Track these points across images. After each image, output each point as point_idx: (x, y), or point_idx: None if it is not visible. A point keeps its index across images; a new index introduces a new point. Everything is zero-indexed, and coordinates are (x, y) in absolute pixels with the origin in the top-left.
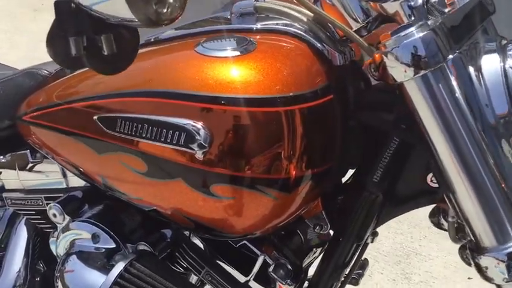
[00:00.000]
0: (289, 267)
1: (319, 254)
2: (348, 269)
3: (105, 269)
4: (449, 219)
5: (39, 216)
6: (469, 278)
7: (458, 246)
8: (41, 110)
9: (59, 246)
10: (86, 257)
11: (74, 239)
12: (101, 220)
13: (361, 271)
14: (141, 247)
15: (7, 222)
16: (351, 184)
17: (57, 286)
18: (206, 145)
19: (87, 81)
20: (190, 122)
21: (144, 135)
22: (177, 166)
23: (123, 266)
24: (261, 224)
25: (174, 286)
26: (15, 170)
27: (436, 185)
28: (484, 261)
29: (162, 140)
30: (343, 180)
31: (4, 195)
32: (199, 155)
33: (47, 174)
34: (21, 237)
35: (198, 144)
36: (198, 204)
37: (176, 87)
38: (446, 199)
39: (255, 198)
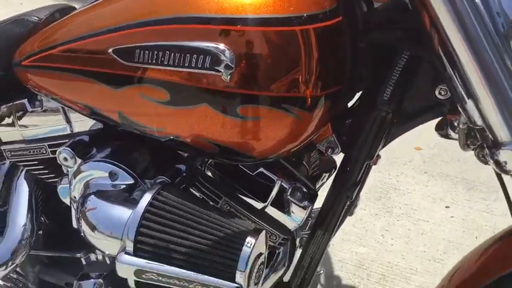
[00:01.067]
0: (305, 190)
1: (327, 179)
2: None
3: (130, 202)
4: (460, 126)
5: (42, 166)
6: (446, 207)
7: (433, 180)
8: (44, 52)
9: (73, 190)
10: (106, 195)
11: (89, 180)
12: (116, 158)
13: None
14: (159, 181)
15: (5, 177)
16: (359, 106)
17: (81, 227)
18: (233, 66)
19: (92, 19)
20: (214, 44)
21: (166, 63)
22: (202, 91)
23: (151, 195)
24: (281, 144)
25: (204, 209)
26: (12, 121)
27: (444, 98)
28: (503, 155)
29: (186, 65)
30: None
31: (2, 148)
32: (225, 76)
33: (49, 122)
34: (22, 190)
35: (224, 65)
36: (223, 128)
37: (194, 11)
38: (459, 106)
39: (279, 117)
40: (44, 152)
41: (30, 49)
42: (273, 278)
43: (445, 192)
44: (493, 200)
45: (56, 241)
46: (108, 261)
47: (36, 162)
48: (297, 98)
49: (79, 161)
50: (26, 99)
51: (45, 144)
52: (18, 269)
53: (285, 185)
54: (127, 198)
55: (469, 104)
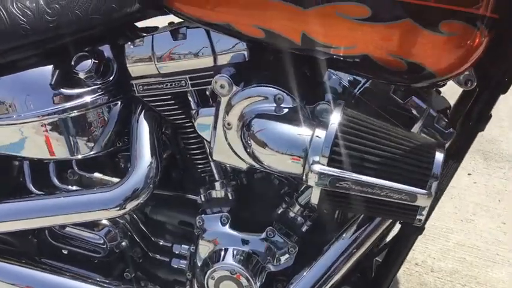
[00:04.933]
0: (446, 119)
1: None
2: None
3: (309, 121)
4: None
5: (173, 101)
6: (469, 174)
7: None
8: None
9: (228, 117)
10: (279, 117)
11: (252, 105)
12: (278, 83)
13: None
14: (320, 107)
15: (120, 114)
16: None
17: (250, 146)
18: None
19: None
20: None
21: None
22: (408, 6)
23: (340, 112)
24: (463, 63)
25: (386, 123)
26: (148, 55)
27: None
28: None
29: None
30: None
31: (134, 82)
32: None
33: (191, 54)
34: (143, 128)
35: None
36: (421, 43)
37: None
38: None
39: (471, 34)
40: (184, 84)
41: None
42: None
43: (465, 161)
44: (508, 169)
45: (171, 180)
46: (230, 197)
47: (169, 97)
48: (487, 18)
49: (235, 88)
50: (169, 32)
51: (187, 76)
52: None
53: (433, 113)
54: (302, 117)
55: None
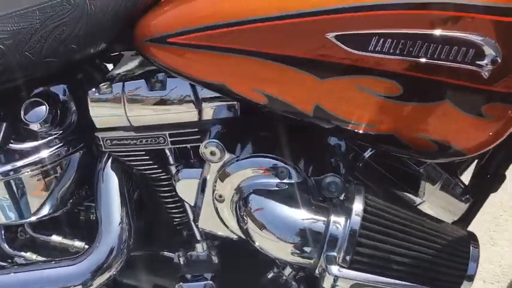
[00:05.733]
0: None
1: None
2: None
3: (321, 206)
4: None
5: (148, 158)
6: None
7: None
8: (209, 30)
9: (221, 188)
10: (281, 196)
11: (249, 178)
12: (279, 153)
13: None
14: (329, 179)
15: (80, 167)
16: None
17: (245, 223)
18: (499, 61)
19: None
20: (479, 35)
21: (413, 54)
22: (448, 87)
23: (361, 201)
24: (496, 140)
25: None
26: (119, 104)
27: None
28: None
29: (441, 57)
30: None
31: (100, 135)
32: (485, 72)
33: (172, 107)
34: (111, 181)
35: (490, 60)
36: (457, 125)
37: None
38: None
39: (510, 114)
40: (162, 141)
41: (178, 25)
42: None
43: None
44: None
45: (146, 240)
46: (214, 260)
47: (144, 153)
48: None
49: (228, 155)
50: (144, 80)
51: (166, 133)
52: None
53: (449, 179)
54: (311, 196)
55: None
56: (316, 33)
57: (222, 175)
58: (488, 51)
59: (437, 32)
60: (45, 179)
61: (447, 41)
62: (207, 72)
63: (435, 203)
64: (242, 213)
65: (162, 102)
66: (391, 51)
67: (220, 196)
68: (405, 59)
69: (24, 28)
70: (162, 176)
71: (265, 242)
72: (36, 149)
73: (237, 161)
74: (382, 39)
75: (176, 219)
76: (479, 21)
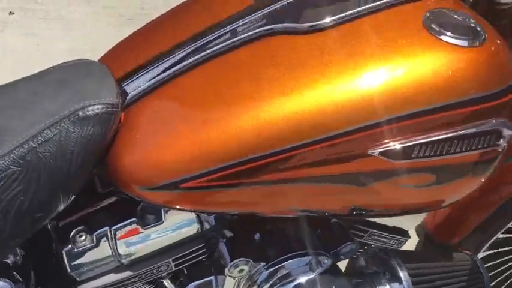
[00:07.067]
0: None
1: None
2: None
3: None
4: None
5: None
6: None
7: None
8: (226, 170)
9: None
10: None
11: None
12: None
13: None
14: (347, 248)
15: None
16: None
17: None
18: None
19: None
20: (493, 121)
21: (450, 151)
22: (470, 163)
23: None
24: None
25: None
26: (109, 248)
27: None
28: None
29: (470, 148)
30: None
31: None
32: (502, 148)
33: (175, 233)
34: None
35: (508, 136)
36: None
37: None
38: None
39: None
40: (165, 268)
41: (190, 170)
42: None
43: None
44: None
45: None
46: None
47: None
48: None
49: (257, 264)
50: (134, 219)
51: (170, 259)
52: None
53: None
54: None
55: None
56: (359, 150)
57: (252, 285)
58: (506, 132)
59: (468, 128)
60: None
61: (476, 135)
62: (231, 206)
63: None
64: None
65: (162, 232)
66: (430, 154)
67: None
68: (442, 158)
69: None
70: None
71: None
72: None
73: (265, 270)
74: (421, 147)
75: None
76: (492, 109)
